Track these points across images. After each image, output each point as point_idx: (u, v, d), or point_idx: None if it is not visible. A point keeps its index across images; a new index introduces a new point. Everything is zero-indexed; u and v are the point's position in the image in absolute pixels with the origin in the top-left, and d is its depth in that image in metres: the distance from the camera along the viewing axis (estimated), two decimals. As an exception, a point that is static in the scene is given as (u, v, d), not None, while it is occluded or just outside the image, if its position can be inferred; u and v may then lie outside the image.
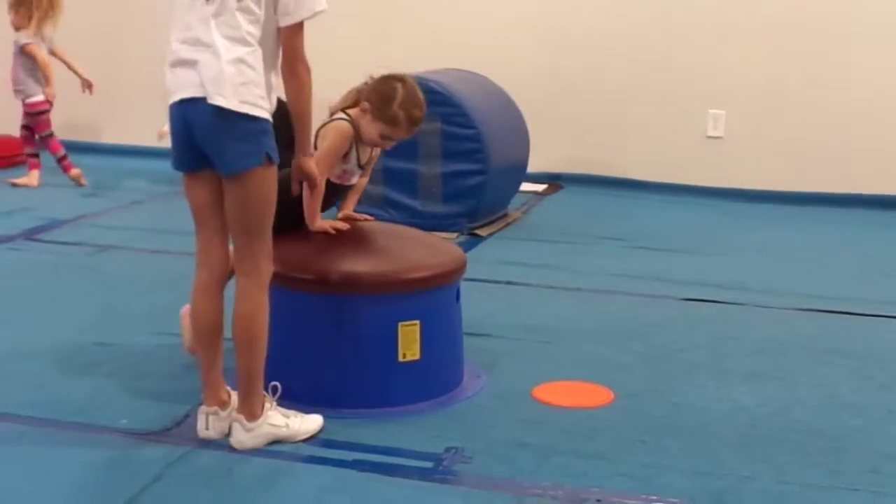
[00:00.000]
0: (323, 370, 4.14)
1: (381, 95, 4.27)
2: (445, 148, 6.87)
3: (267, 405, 3.86)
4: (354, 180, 4.48)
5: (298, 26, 3.64)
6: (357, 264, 4.16)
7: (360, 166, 4.42)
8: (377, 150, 4.52)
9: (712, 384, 4.52)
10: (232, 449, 3.81)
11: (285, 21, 3.63)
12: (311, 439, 3.89)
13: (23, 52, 8.25)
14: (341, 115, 4.33)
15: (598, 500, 3.49)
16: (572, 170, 8.74)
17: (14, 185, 8.38)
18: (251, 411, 3.81)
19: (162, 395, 4.27)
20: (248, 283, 3.75)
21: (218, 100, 3.53)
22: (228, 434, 3.86)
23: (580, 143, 8.71)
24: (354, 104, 4.34)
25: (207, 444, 3.84)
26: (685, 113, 8.43)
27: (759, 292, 5.81)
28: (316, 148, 4.20)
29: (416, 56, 8.04)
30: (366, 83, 4.38)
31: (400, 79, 4.33)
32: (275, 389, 3.91)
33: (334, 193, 4.43)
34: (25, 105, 8.34)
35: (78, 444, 3.85)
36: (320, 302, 4.14)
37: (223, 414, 3.88)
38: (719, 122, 8.37)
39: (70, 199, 7.93)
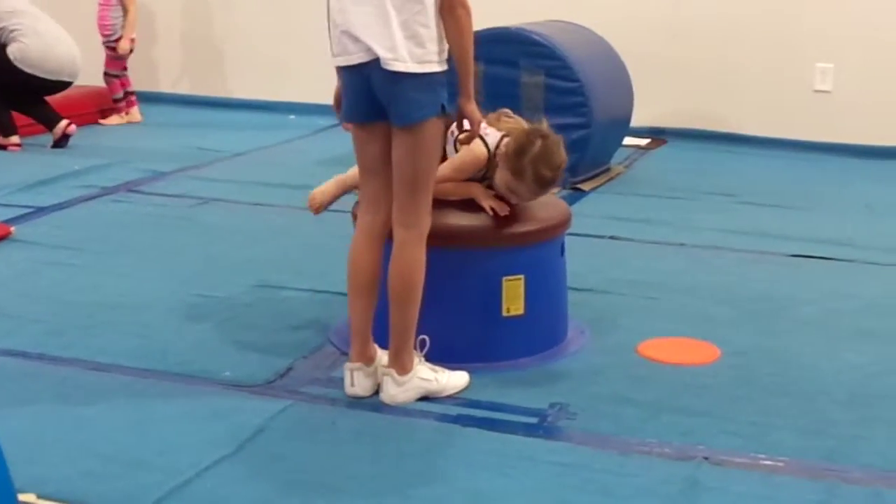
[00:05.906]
0: (426, 324, 4.10)
1: (518, 145, 4.05)
2: (548, 101, 6.79)
3: (416, 359, 3.85)
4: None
5: None
6: (461, 218, 4.13)
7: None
8: None
9: (822, 342, 4.44)
10: (382, 405, 3.80)
11: None
12: (459, 395, 3.88)
13: (120, 2, 8.97)
14: (495, 134, 4.13)
15: (706, 458, 3.43)
16: (676, 124, 8.63)
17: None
18: (402, 365, 3.80)
19: (264, 347, 4.28)
20: (409, 237, 3.74)
21: (396, 65, 3.55)
22: (375, 391, 3.86)
23: (684, 97, 8.60)
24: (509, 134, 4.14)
25: (315, 397, 3.85)
26: (792, 66, 8.27)
27: (867, 249, 5.69)
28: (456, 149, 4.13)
29: (518, 7, 7.97)
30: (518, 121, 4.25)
31: (544, 135, 4.09)
32: (423, 344, 3.89)
33: None
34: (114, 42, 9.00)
35: (181, 396, 3.87)
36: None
37: (369, 370, 3.87)
38: (827, 76, 8.21)
39: (169, 150, 7.98)
